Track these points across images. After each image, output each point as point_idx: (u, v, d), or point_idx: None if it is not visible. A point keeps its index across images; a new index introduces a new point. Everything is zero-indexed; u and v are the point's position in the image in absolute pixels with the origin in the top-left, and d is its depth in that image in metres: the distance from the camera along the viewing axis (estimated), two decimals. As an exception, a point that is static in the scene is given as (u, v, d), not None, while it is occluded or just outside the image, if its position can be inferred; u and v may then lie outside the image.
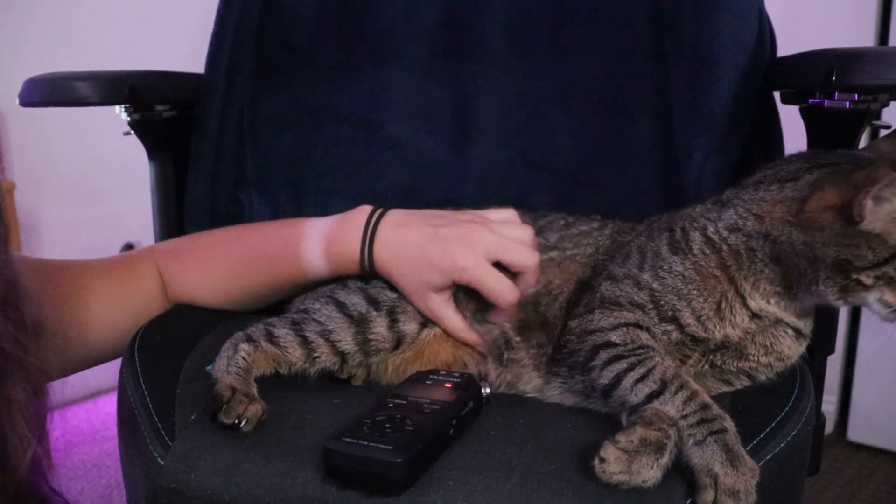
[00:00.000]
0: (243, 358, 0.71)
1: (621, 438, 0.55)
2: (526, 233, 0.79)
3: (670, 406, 0.59)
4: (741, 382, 0.71)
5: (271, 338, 0.74)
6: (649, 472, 0.55)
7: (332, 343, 0.74)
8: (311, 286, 0.83)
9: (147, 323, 0.82)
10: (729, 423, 0.58)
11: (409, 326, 0.76)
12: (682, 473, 0.57)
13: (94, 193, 2.03)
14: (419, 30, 1.09)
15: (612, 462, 0.54)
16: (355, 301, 0.77)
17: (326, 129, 1.10)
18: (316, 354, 0.73)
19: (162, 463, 0.63)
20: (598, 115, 1.01)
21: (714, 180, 0.92)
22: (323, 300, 0.78)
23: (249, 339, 0.73)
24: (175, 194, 1.11)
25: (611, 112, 1.01)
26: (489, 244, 0.75)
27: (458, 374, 0.70)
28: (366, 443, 0.57)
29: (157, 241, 1.11)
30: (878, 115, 0.82)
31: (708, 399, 0.60)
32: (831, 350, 0.87)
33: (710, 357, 0.69)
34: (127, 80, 1.03)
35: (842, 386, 1.89)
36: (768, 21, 0.96)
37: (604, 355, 0.65)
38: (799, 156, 0.74)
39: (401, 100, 1.09)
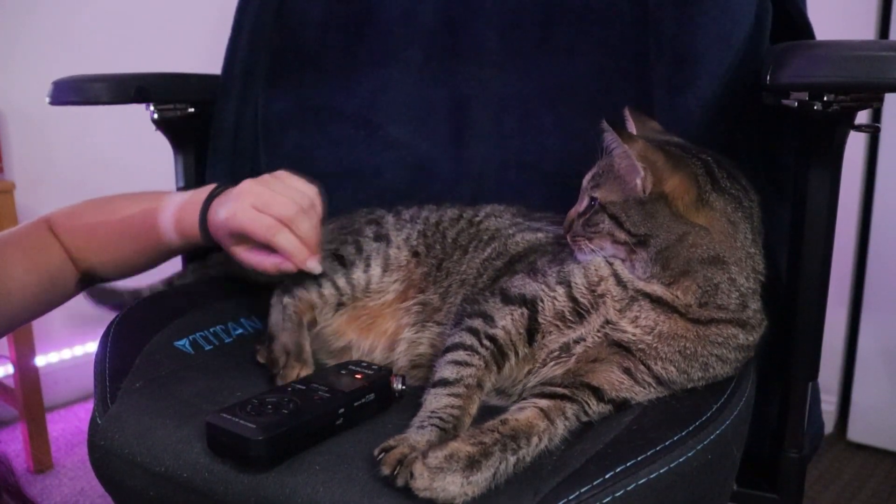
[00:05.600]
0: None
1: (430, 454, 0.56)
2: (301, 188, 0.83)
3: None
4: (641, 375, 0.67)
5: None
6: (456, 488, 0.54)
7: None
8: (176, 253, 0.92)
9: (135, 303, 0.91)
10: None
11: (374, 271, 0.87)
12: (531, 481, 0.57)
13: (94, 193, 2.02)
14: (417, 32, 1.09)
15: (418, 478, 0.54)
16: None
17: (330, 128, 1.14)
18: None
19: (99, 422, 0.71)
20: (586, 116, 0.99)
21: None
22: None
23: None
24: (196, 185, 1.18)
25: (599, 113, 0.98)
26: (254, 194, 0.81)
27: (375, 367, 0.73)
28: (237, 420, 0.61)
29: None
30: (852, 117, 0.76)
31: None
32: (813, 376, 0.84)
33: (604, 330, 0.68)
34: (134, 81, 1.10)
35: (842, 386, 1.89)
36: (797, 11, 0.89)
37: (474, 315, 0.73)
38: None
39: (399, 101, 1.10)
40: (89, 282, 0.94)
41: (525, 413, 0.63)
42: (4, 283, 0.81)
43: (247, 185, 0.82)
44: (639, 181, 0.68)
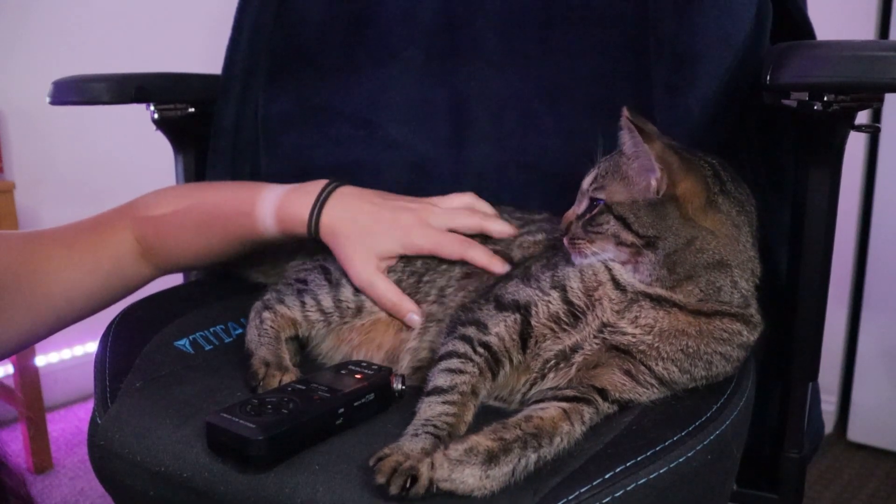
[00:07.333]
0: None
1: (451, 447, 0.57)
2: (472, 221, 0.85)
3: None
4: (643, 376, 0.67)
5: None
6: (474, 481, 0.55)
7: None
8: (266, 244, 0.91)
9: (136, 301, 0.90)
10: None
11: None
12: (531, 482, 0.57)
13: (94, 193, 2.03)
14: (417, 31, 1.09)
15: (438, 468, 0.55)
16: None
17: (329, 128, 1.13)
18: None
19: (99, 422, 0.71)
20: (586, 116, 0.99)
21: None
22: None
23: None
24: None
25: (599, 114, 0.96)
26: (437, 217, 0.84)
27: (375, 367, 0.73)
28: (237, 420, 0.60)
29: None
30: (852, 118, 0.76)
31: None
32: (813, 376, 0.84)
33: (602, 336, 0.68)
34: (134, 81, 1.10)
35: (842, 386, 1.89)
36: (798, 11, 0.89)
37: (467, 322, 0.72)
38: None
39: (398, 101, 1.10)
40: (166, 271, 0.93)
41: (549, 412, 0.62)
42: (46, 284, 0.80)
43: (389, 213, 0.84)
44: (654, 181, 0.68)
